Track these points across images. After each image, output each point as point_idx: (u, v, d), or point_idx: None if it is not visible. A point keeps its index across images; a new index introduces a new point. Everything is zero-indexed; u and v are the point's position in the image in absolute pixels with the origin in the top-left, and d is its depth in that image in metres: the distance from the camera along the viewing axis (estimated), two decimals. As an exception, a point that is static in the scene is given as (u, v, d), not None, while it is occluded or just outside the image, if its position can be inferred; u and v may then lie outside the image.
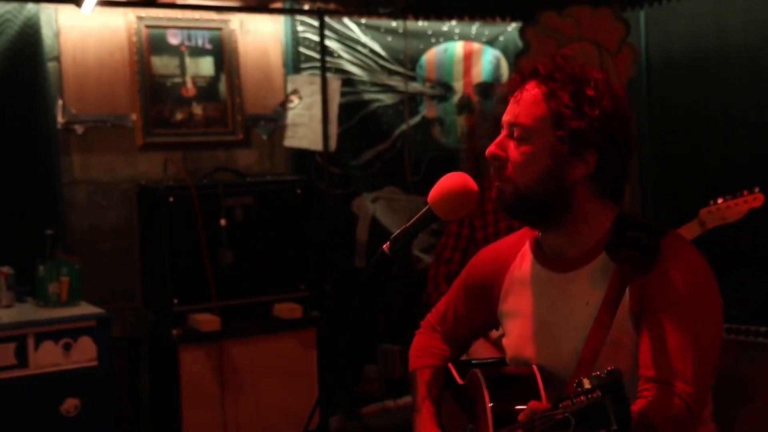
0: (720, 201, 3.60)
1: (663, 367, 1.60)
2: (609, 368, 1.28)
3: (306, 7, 4.78)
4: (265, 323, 4.23)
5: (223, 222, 4.12)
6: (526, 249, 1.90)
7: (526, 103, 1.74)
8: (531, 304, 1.85)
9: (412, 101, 5.15)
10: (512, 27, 5.28)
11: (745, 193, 3.60)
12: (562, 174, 1.72)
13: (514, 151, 1.75)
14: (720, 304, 1.70)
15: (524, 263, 1.89)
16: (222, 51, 4.61)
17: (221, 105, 4.63)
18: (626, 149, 1.76)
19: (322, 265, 4.70)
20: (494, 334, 2.67)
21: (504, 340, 1.93)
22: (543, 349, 1.80)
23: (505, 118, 1.78)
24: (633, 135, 1.77)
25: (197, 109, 4.56)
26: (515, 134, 1.75)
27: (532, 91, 1.75)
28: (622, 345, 1.66)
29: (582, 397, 1.29)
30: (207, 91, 4.58)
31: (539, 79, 1.74)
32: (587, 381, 1.29)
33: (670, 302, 1.63)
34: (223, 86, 4.62)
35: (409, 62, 5.11)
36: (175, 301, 4.05)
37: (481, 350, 2.69)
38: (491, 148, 1.78)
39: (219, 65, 4.60)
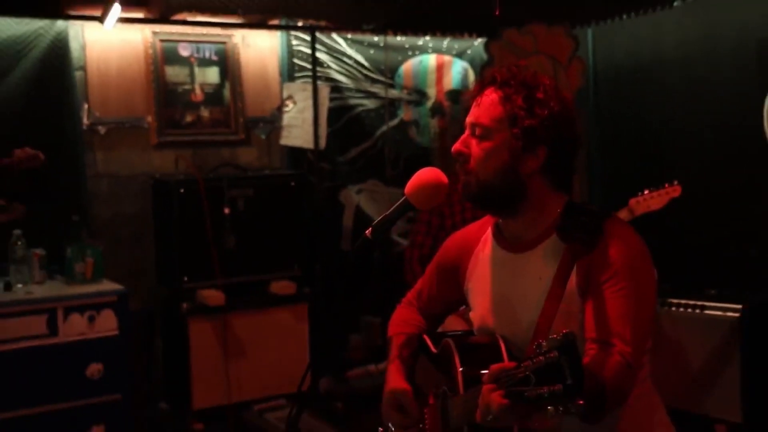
0: (646, 192, 3.66)
1: (604, 330, 1.60)
2: (564, 331, 1.29)
3: (300, 23, 4.76)
4: (263, 298, 4.23)
5: (226, 210, 4.12)
6: (488, 234, 1.91)
7: (485, 106, 1.75)
8: (492, 282, 1.85)
9: (391, 106, 5.14)
10: (478, 42, 5.29)
11: (666, 185, 3.67)
12: (517, 166, 1.72)
13: (476, 147, 1.75)
14: (654, 276, 1.71)
15: (486, 246, 1.90)
16: (226, 62, 4.59)
17: (225, 109, 4.61)
18: (573, 145, 1.77)
19: (313, 248, 4.70)
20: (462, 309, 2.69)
21: (470, 314, 1.93)
22: (504, 320, 1.80)
23: (468, 119, 1.79)
24: (578, 133, 1.77)
25: (204, 113, 4.55)
26: (477, 133, 1.76)
27: (490, 95, 1.75)
28: (571, 314, 1.67)
29: (541, 357, 1.29)
30: (213, 96, 4.57)
31: (496, 85, 1.75)
32: (545, 343, 1.30)
33: (610, 275, 1.64)
34: (227, 92, 4.60)
35: (389, 72, 5.11)
36: (185, 279, 4.05)
37: (453, 323, 2.70)
38: (456, 146, 1.78)
39: (224, 74, 4.59)
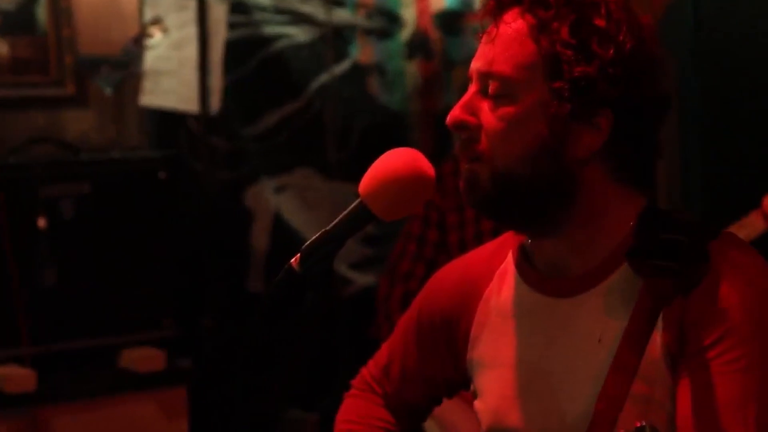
0: None
1: (713, 428, 1.62)
2: (638, 424, 1.29)
3: None
4: (108, 379, 4.25)
5: (42, 223, 4.10)
6: (509, 264, 1.93)
7: (505, 43, 1.76)
8: (517, 347, 1.87)
9: (337, 39, 5.16)
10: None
11: None
12: (561, 147, 1.74)
13: (489, 114, 1.77)
14: None
15: (505, 286, 1.92)
16: (42, -43, 4.59)
17: (40, 40, 4.60)
18: (656, 109, 1.79)
19: (198, 288, 4.69)
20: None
21: (477, 403, 1.96)
22: (537, 412, 1.82)
23: (475, 65, 1.81)
24: (667, 87, 1.80)
25: (1, 47, 4.52)
26: (491, 90, 1.77)
27: (514, 24, 1.76)
28: (653, 400, 1.69)
29: None
30: (16, 18, 4.55)
31: (524, 6, 1.77)
32: None
33: (723, 334, 1.66)
34: (42, 11, 4.58)
35: (334, -22, 5.14)
36: (-35, 346, 4.03)
37: (451, 412, 2.71)
38: (455, 112, 1.79)
39: (37, -21, 4.58)
